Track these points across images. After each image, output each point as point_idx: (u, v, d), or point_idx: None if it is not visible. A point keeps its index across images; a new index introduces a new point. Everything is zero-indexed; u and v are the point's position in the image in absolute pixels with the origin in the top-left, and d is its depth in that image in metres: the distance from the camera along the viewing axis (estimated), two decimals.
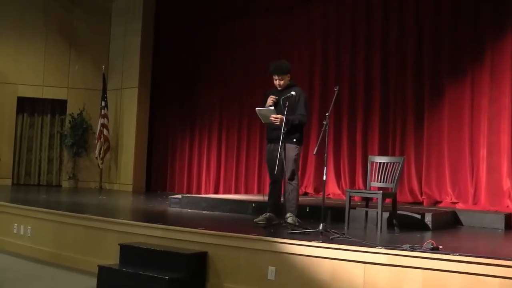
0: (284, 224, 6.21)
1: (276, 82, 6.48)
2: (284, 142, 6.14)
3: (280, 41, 11.02)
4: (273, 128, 6.40)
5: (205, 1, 12.25)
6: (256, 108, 6.41)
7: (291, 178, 6.32)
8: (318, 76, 10.45)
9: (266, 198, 6.68)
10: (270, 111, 6.27)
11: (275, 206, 6.59)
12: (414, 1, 9.33)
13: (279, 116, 6.21)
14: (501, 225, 7.19)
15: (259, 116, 6.42)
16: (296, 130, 6.33)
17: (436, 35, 9.06)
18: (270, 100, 6.38)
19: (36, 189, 12.28)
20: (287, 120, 6.13)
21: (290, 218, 6.25)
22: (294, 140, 6.30)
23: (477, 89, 8.60)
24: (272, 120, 6.27)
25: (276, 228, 6.02)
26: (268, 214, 6.56)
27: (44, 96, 13.33)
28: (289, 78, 6.51)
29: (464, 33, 8.78)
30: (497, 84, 8.39)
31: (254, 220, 6.61)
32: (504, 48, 8.34)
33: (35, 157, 13.53)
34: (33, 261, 7.10)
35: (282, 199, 6.54)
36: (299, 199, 6.50)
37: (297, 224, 6.16)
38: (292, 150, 6.29)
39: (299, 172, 10.02)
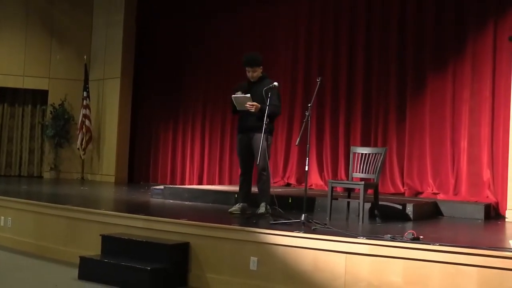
0: (259, 213, 6.31)
1: (249, 74, 6.58)
2: (256, 132, 6.26)
3: (264, 33, 11.00)
4: (245, 118, 6.51)
5: None
6: (232, 96, 6.47)
7: (264, 169, 6.37)
8: (301, 67, 10.45)
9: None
10: (246, 99, 6.33)
11: (247, 196, 6.74)
12: None
13: (254, 103, 6.29)
14: (481, 215, 7.28)
15: (235, 103, 6.47)
16: (269, 120, 6.32)
17: (419, 27, 9.09)
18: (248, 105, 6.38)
19: (17, 180, 12.17)
20: (263, 109, 6.20)
21: (262, 207, 6.37)
22: (267, 130, 6.28)
23: (458, 81, 8.67)
24: (247, 107, 6.31)
25: (258, 219, 6.06)
26: (241, 204, 6.71)
27: (25, 86, 13.18)
28: (261, 70, 6.61)
29: (446, 25, 8.82)
30: (478, 77, 8.46)
31: (229, 210, 6.75)
32: (485, 40, 8.39)
33: (16, 147, 13.41)
34: (13, 253, 7.04)
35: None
36: (273, 188, 6.67)
37: (268, 213, 6.26)
38: (265, 140, 6.26)
39: (278, 162, 10.20)
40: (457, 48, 8.69)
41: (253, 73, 6.56)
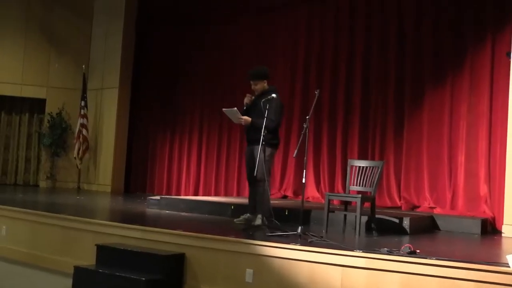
0: (255, 225, 6.35)
1: (252, 88, 6.70)
2: (256, 144, 6.29)
3: (262, 44, 11.03)
4: (248, 130, 6.66)
5: (187, 3, 12.22)
6: (223, 109, 6.66)
7: (261, 180, 6.38)
8: (299, 79, 10.46)
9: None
10: (234, 112, 6.51)
11: (255, 208, 6.70)
12: (396, 7, 9.39)
13: (243, 117, 6.48)
14: (478, 230, 7.27)
15: (228, 116, 6.68)
16: (268, 133, 6.35)
17: (418, 42, 9.12)
18: (247, 98, 6.66)
19: (13, 189, 12.13)
20: (252, 122, 6.44)
21: (258, 219, 6.40)
22: (264, 142, 6.30)
23: (456, 96, 8.68)
24: (238, 120, 6.52)
25: (254, 231, 6.05)
26: (248, 215, 6.73)
27: (23, 95, 13.17)
28: (265, 84, 6.67)
29: (445, 40, 8.85)
30: (475, 91, 8.48)
31: (234, 220, 6.84)
32: (483, 56, 8.42)
33: (12, 156, 13.37)
34: (8, 262, 6.99)
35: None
36: (270, 200, 6.65)
37: (263, 225, 6.26)
38: (261, 152, 6.31)
39: (275, 174, 10.18)
40: (455, 63, 8.71)
41: (255, 86, 6.67)
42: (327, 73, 10.11)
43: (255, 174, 6.31)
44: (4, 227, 7.47)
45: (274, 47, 10.90)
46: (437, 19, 8.96)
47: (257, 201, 6.55)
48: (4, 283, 5.95)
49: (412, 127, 9.08)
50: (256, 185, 6.53)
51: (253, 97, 6.65)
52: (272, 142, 6.54)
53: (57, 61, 13.27)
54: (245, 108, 6.63)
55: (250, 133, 6.57)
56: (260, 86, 6.63)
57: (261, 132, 6.21)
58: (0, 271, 6.57)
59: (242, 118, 6.48)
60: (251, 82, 6.68)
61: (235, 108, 6.52)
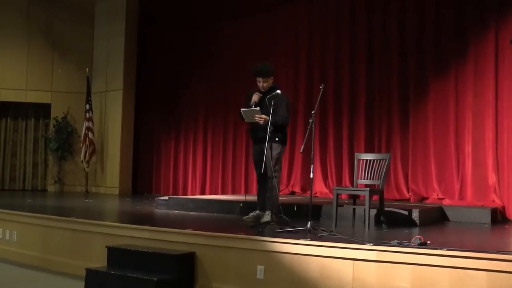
0: (264, 222, 6.33)
1: (260, 84, 6.63)
2: (269, 141, 6.22)
3: (264, 40, 11.01)
4: (257, 129, 6.57)
5: (188, 4, 12.22)
6: (242, 109, 6.51)
7: (272, 177, 6.39)
8: (303, 74, 10.46)
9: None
10: (255, 111, 6.39)
11: (264, 204, 6.71)
12: None
13: (263, 116, 6.34)
14: (487, 219, 7.24)
15: (244, 116, 6.51)
16: (279, 130, 6.44)
17: (420, 32, 9.11)
18: (256, 96, 6.55)
19: (21, 194, 12.16)
20: (271, 120, 6.22)
21: (267, 216, 6.39)
22: (277, 139, 6.39)
23: (461, 85, 8.66)
24: (256, 119, 6.38)
25: (264, 227, 6.05)
26: (256, 212, 6.76)
27: (28, 100, 13.20)
28: (272, 81, 6.65)
29: (447, 30, 8.83)
30: (480, 80, 8.45)
31: (243, 218, 6.83)
32: (487, 43, 8.39)
33: (20, 161, 13.39)
34: (19, 266, 7.02)
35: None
36: (279, 197, 6.61)
37: (272, 222, 6.24)
38: (275, 149, 6.40)
39: (282, 171, 10.17)
40: (459, 53, 8.69)
41: (264, 84, 6.61)
42: (331, 67, 10.10)
43: (267, 171, 6.33)
44: (14, 232, 7.50)
45: (276, 42, 10.88)
46: (439, 9, 8.93)
47: (267, 198, 6.54)
48: None
49: (417, 118, 9.06)
50: (267, 182, 6.52)
51: (261, 95, 6.58)
52: (284, 139, 6.61)
53: (60, 66, 13.29)
54: (253, 106, 6.50)
55: (260, 131, 6.44)
56: (269, 83, 6.61)
57: (276, 130, 6.23)
58: (12, 276, 6.59)
59: (262, 118, 6.35)
60: (261, 79, 6.58)
61: (258, 108, 6.41)
